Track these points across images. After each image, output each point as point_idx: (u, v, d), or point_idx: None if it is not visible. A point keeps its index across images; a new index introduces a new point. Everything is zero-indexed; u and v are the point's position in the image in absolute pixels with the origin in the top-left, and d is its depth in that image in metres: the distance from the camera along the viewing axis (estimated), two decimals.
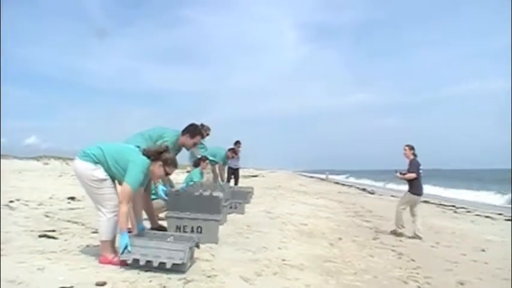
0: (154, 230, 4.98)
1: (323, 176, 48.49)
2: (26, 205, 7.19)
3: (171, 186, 6.16)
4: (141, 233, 3.98)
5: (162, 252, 3.48)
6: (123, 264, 3.53)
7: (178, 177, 8.97)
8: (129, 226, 4.49)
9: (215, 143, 10.26)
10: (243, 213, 7.63)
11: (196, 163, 8.34)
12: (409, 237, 7.46)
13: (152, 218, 5.26)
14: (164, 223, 5.07)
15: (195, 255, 3.91)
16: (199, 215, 4.81)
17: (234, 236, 5.45)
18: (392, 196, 21.37)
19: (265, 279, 3.71)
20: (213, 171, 9.79)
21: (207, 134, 9.16)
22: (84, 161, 3.69)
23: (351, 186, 32.42)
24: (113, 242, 3.73)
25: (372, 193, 23.46)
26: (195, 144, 5.35)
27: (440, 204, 16.79)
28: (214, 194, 4.94)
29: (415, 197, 7.73)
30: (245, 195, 8.47)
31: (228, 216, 6.78)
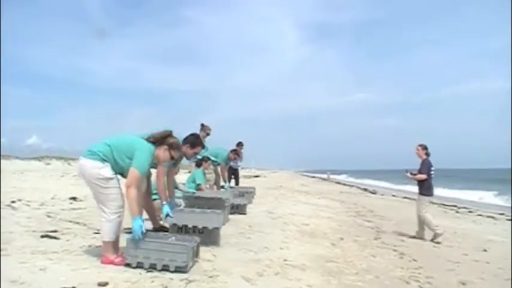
0: (156, 230, 4.99)
1: (325, 176, 48.46)
2: (28, 205, 7.20)
3: (175, 187, 6.18)
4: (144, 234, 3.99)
5: (165, 255, 3.49)
6: (125, 264, 3.54)
7: (181, 177, 8.96)
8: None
9: (216, 144, 10.27)
10: (245, 213, 7.63)
11: (199, 163, 8.34)
12: (411, 237, 7.44)
13: (154, 218, 5.27)
14: (165, 223, 5.07)
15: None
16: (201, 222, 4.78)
17: (235, 236, 5.45)
18: (393, 196, 21.37)
19: (267, 279, 3.71)
20: (215, 171, 9.80)
21: (208, 134, 9.19)
22: (91, 159, 3.64)
23: (352, 186, 32.41)
24: (115, 242, 3.72)
25: (374, 193, 23.44)
26: (195, 154, 5.38)
27: (442, 204, 16.76)
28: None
29: (426, 198, 7.60)
30: (248, 197, 8.51)
31: (230, 216, 6.79)
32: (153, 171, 4.80)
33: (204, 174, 8.37)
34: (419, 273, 4.81)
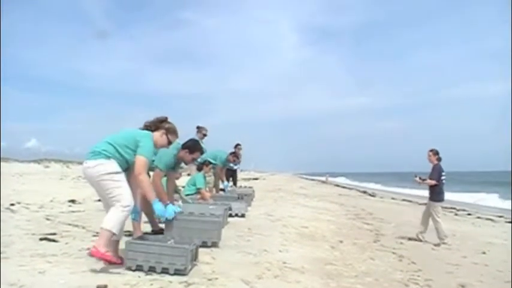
0: (155, 233, 4.99)
1: (323, 179, 48.47)
2: (27, 208, 7.20)
3: (176, 191, 6.18)
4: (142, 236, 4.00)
5: (164, 258, 3.49)
6: (114, 262, 3.49)
7: (182, 179, 8.96)
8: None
9: (216, 146, 10.29)
10: (244, 216, 7.62)
11: (199, 167, 8.35)
12: (410, 239, 7.43)
13: (153, 221, 5.27)
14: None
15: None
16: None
17: (235, 238, 5.45)
18: (392, 198, 21.37)
19: (266, 282, 3.71)
20: (214, 174, 9.80)
21: (205, 135, 9.25)
22: (95, 159, 3.58)
23: (351, 188, 32.40)
24: (116, 242, 3.70)
25: (373, 195, 23.44)
26: (193, 160, 5.37)
27: (441, 207, 16.75)
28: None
29: (436, 203, 7.55)
30: (247, 199, 8.53)
31: (229, 219, 6.78)
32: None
33: (205, 177, 8.37)
34: (419, 276, 4.82)
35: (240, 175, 12.86)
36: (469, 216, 13.66)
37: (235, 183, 11.94)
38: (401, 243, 7.11)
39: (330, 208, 12.34)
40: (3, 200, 7.52)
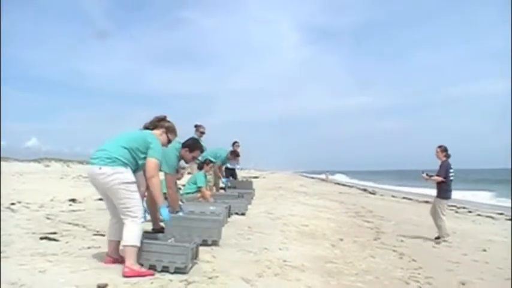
0: (156, 231, 5.00)
1: (323, 176, 48.44)
2: (27, 207, 7.20)
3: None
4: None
5: (165, 256, 3.49)
6: (149, 274, 3.41)
7: (182, 178, 8.97)
8: None
9: (216, 145, 10.32)
10: (244, 214, 7.63)
11: (200, 166, 8.36)
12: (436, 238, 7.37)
13: (155, 219, 5.28)
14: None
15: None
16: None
17: (235, 237, 5.45)
18: (393, 196, 21.37)
19: (266, 280, 3.71)
20: (214, 172, 9.82)
21: (203, 133, 9.29)
22: (112, 166, 3.46)
23: (351, 186, 32.40)
24: (117, 242, 3.70)
25: (373, 193, 23.44)
26: (193, 158, 5.40)
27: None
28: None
29: (444, 201, 7.51)
30: (247, 198, 8.53)
31: (229, 217, 6.78)
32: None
33: (206, 176, 8.37)
34: (419, 274, 4.82)
35: (240, 174, 12.86)
36: (469, 214, 13.65)
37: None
38: (401, 241, 7.11)
39: (330, 206, 12.34)
40: (4, 199, 7.52)
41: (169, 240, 3.78)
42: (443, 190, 7.48)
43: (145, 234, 4.07)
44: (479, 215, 13.39)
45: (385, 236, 7.47)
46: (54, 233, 5.01)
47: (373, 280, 4.35)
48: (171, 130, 3.99)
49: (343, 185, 35.53)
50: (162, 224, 5.19)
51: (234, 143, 11.49)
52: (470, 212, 14.33)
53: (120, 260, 3.62)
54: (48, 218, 6.21)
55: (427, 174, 7.58)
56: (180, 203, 5.98)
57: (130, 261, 3.40)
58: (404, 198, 20.38)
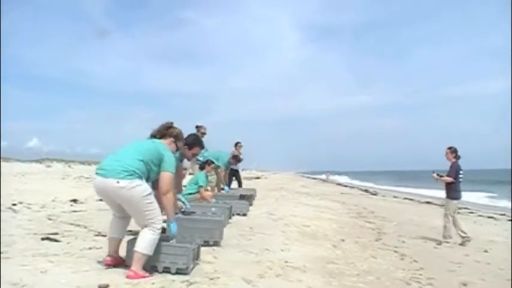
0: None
1: (323, 177, 48.43)
2: (29, 208, 7.20)
3: (179, 192, 6.17)
4: None
5: (166, 257, 3.49)
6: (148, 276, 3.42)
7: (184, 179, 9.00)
8: None
9: (216, 145, 10.33)
10: (246, 215, 7.63)
11: (202, 166, 8.37)
12: (461, 244, 7.27)
13: None
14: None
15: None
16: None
17: (236, 237, 5.45)
18: (394, 197, 21.36)
19: (268, 281, 3.71)
20: (217, 174, 9.84)
21: (204, 133, 9.28)
22: (130, 179, 3.38)
23: (353, 187, 32.41)
24: (118, 241, 3.69)
25: (375, 194, 23.44)
26: (194, 155, 5.38)
27: (443, 205, 16.73)
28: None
29: (454, 202, 7.51)
30: (249, 199, 8.54)
31: (231, 218, 6.78)
32: None
33: (207, 177, 8.38)
34: (421, 275, 4.81)
35: (241, 174, 12.86)
36: (471, 215, 13.64)
37: (239, 183, 11.96)
38: (403, 241, 7.10)
39: (332, 207, 12.33)
40: (5, 200, 7.53)
41: (171, 241, 3.78)
42: (453, 191, 7.51)
43: None
44: (480, 215, 13.39)
45: (386, 236, 7.46)
46: (56, 233, 5.01)
47: (374, 281, 4.34)
48: (179, 138, 3.98)
49: (345, 185, 35.54)
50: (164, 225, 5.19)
51: (237, 144, 11.50)
52: (471, 212, 14.32)
53: (120, 261, 3.62)
54: (49, 219, 6.21)
55: (437, 175, 7.60)
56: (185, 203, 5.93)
57: (137, 266, 3.38)
58: (405, 198, 20.38)
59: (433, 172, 7.72)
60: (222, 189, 9.94)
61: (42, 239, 4.66)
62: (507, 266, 5.54)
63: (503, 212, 14.59)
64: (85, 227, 5.61)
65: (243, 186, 12.51)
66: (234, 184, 11.79)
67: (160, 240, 3.73)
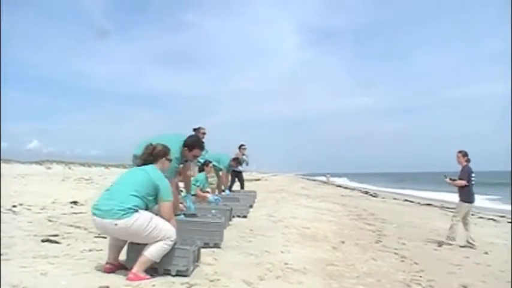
0: None
1: (324, 179, 48.40)
2: (29, 209, 7.21)
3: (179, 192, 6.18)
4: None
5: (166, 259, 3.49)
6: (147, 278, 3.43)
7: None
8: None
9: (218, 146, 10.35)
10: (246, 216, 7.63)
11: (201, 168, 8.38)
12: (461, 246, 7.28)
13: None
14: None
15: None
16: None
17: (236, 239, 5.45)
18: (394, 199, 21.35)
19: (268, 283, 3.71)
20: (218, 176, 9.85)
21: (204, 133, 9.28)
22: (128, 217, 3.34)
23: (353, 189, 32.39)
24: (120, 248, 3.66)
25: (375, 196, 23.43)
26: (194, 157, 5.36)
27: (443, 207, 16.75)
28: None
29: (466, 204, 7.51)
30: (250, 201, 8.55)
31: (231, 220, 6.78)
32: None
33: (206, 178, 8.39)
34: (421, 277, 4.81)
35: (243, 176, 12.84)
36: (471, 217, 13.55)
37: (242, 185, 11.95)
38: (403, 243, 7.10)
39: (332, 209, 12.33)
40: (5, 202, 7.53)
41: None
42: (467, 194, 7.51)
43: None
44: (481, 217, 13.36)
45: (386, 238, 7.45)
46: (56, 235, 5.01)
47: (374, 283, 4.34)
48: (167, 152, 3.95)
49: (345, 187, 35.52)
50: None
51: (241, 146, 11.50)
52: (472, 214, 14.28)
53: (120, 267, 3.60)
54: (49, 220, 6.21)
55: (450, 179, 7.58)
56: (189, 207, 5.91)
57: (138, 269, 3.39)
58: (406, 200, 20.38)
59: (445, 176, 7.71)
60: (223, 191, 9.94)
61: (43, 240, 4.65)
62: (507, 268, 5.53)
63: (503, 214, 14.57)
64: (85, 229, 5.60)
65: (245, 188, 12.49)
66: (236, 186, 11.78)
67: None
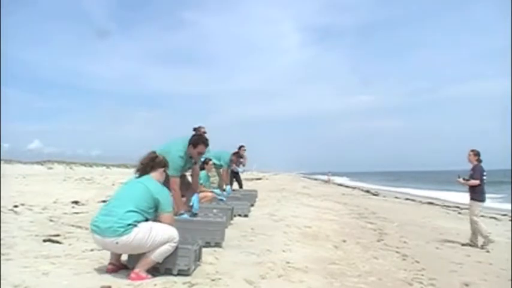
0: None
1: (325, 178, 48.35)
2: (31, 209, 7.22)
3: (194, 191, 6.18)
4: None
5: (167, 258, 3.49)
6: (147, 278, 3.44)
7: None
8: None
9: (218, 146, 10.32)
10: (247, 216, 7.63)
11: (202, 167, 8.39)
12: (464, 245, 7.27)
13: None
14: None
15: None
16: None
17: (238, 239, 5.45)
18: (396, 198, 21.34)
19: (269, 281, 3.71)
20: (219, 174, 9.84)
21: (205, 132, 9.29)
22: (128, 233, 3.33)
23: (354, 188, 32.40)
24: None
25: (376, 194, 23.43)
26: (199, 154, 5.39)
27: (445, 206, 16.75)
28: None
29: (479, 203, 7.46)
30: (251, 200, 8.54)
31: (232, 219, 6.79)
32: None
33: (208, 176, 8.39)
34: (422, 275, 4.80)
35: (243, 175, 12.85)
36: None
37: (240, 185, 11.96)
38: (404, 242, 7.09)
39: (333, 207, 12.33)
40: (7, 202, 7.54)
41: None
42: (479, 193, 7.47)
43: None
44: (482, 216, 13.33)
45: (388, 237, 7.45)
46: (58, 235, 5.02)
47: (376, 281, 4.34)
48: (166, 165, 3.97)
49: (346, 186, 35.52)
50: None
51: (241, 147, 11.50)
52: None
53: (122, 267, 3.60)
54: (51, 220, 6.22)
55: (463, 179, 7.56)
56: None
57: (140, 268, 3.40)
58: (407, 199, 20.38)
59: (459, 176, 7.65)
60: (224, 190, 9.94)
61: (44, 240, 4.66)
62: (509, 266, 5.52)
63: (504, 213, 14.56)
64: (87, 229, 5.59)
65: (244, 187, 12.50)
66: (235, 186, 11.78)
67: None
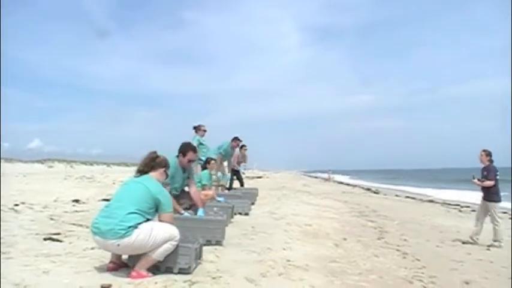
0: None
1: (326, 176, 48.32)
2: (31, 208, 7.22)
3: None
4: None
5: (168, 257, 3.49)
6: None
7: None
8: None
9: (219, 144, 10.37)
10: (248, 214, 7.63)
11: (204, 166, 8.41)
12: (463, 242, 7.30)
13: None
14: None
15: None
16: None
17: (238, 237, 5.46)
18: (396, 196, 21.34)
19: (270, 280, 3.71)
20: (217, 165, 9.82)
21: (205, 131, 9.32)
22: (130, 235, 3.33)
23: (355, 186, 32.39)
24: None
25: (377, 193, 23.42)
26: (190, 161, 5.38)
27: (445, 204, 16.74)
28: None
29: (495, 204, 7.49)
30: (251, 198, 8.54)
31: (233, 217, 6.79)
32: None
33: (210, 175, 8.40)
34: (423, 273, 4.80)
35: (243, 174, 12.85)
36: (473, 213, 13.53)
37: (241, 183, 11.96)
38: (405, 240, 7.09)
39: (334, 206, 12.33)
40: (7, 200, 7.54)
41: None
42: (495, 193, 7.50)
43: None
44: None
45: (388, 235, 7.45)
46: (58, 233, 5.02)
47: (376, 279, 4.33)
48: (167, 165, 3.97)
49: (347, 184, 35.50)
50: None
51: (242, 147, 11.51)
52: (473, 210, 14.25)
53: (122, 265, 3.60)
54: (51, 219, 6.22)
55: (478, 180, 7.53)
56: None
57: (141, 267, 3.41)
58: (407, 197, 20.36)
59: (474, 177, 7.63)
60: (227, 189, 9.95)
61: (45, 239, 4.66)
62: (509, 264, 5.53)
63: (505, 211, 14.54)
64: (87, 227, 5.59)
65: (245, 185, 12.50)
66: (236, 184, 11.79)
67: None
